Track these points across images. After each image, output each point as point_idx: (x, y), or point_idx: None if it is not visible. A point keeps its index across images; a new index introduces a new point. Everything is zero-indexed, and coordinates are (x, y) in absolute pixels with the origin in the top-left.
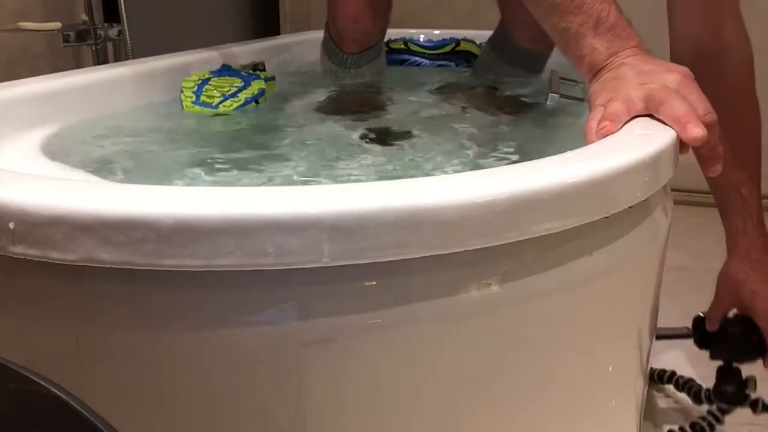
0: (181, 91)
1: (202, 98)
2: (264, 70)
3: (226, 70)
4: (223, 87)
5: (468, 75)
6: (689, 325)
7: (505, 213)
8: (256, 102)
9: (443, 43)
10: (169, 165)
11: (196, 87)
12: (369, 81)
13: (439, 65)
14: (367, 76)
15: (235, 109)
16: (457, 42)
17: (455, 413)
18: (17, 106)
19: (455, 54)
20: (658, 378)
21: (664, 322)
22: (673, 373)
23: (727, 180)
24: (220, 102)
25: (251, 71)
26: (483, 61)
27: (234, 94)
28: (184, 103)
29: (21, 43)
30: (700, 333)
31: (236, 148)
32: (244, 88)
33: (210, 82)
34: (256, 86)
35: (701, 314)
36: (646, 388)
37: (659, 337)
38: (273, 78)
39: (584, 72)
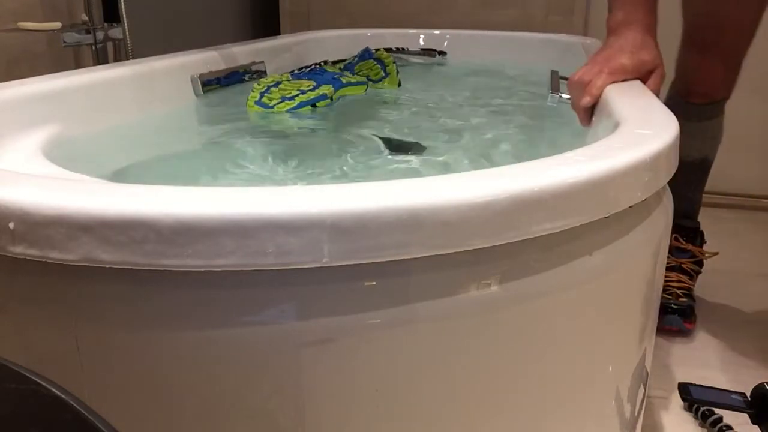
0: (252, 90)
1: (263, 99)
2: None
3: (313, 72)
4: (290, 90)
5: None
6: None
7: (505, 213)
8: (314, 105)
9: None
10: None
11: (264, 88)
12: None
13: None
14: (696, 141)
15: (289, 110)
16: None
17: (455, 413)
18: (17, 106)
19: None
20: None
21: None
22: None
23: None
24: (277, 103)
25: (341, 71)
26: None
27: (292, 98)
28: (248, 102)
29: (21, 43)
30: (759, 410)
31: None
32: (312, 90)
33: (280, 85)
34: (317, 91)
35: (766, 385)
36: (646, 388)
37: (712, 405)
38: (361, 83)
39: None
